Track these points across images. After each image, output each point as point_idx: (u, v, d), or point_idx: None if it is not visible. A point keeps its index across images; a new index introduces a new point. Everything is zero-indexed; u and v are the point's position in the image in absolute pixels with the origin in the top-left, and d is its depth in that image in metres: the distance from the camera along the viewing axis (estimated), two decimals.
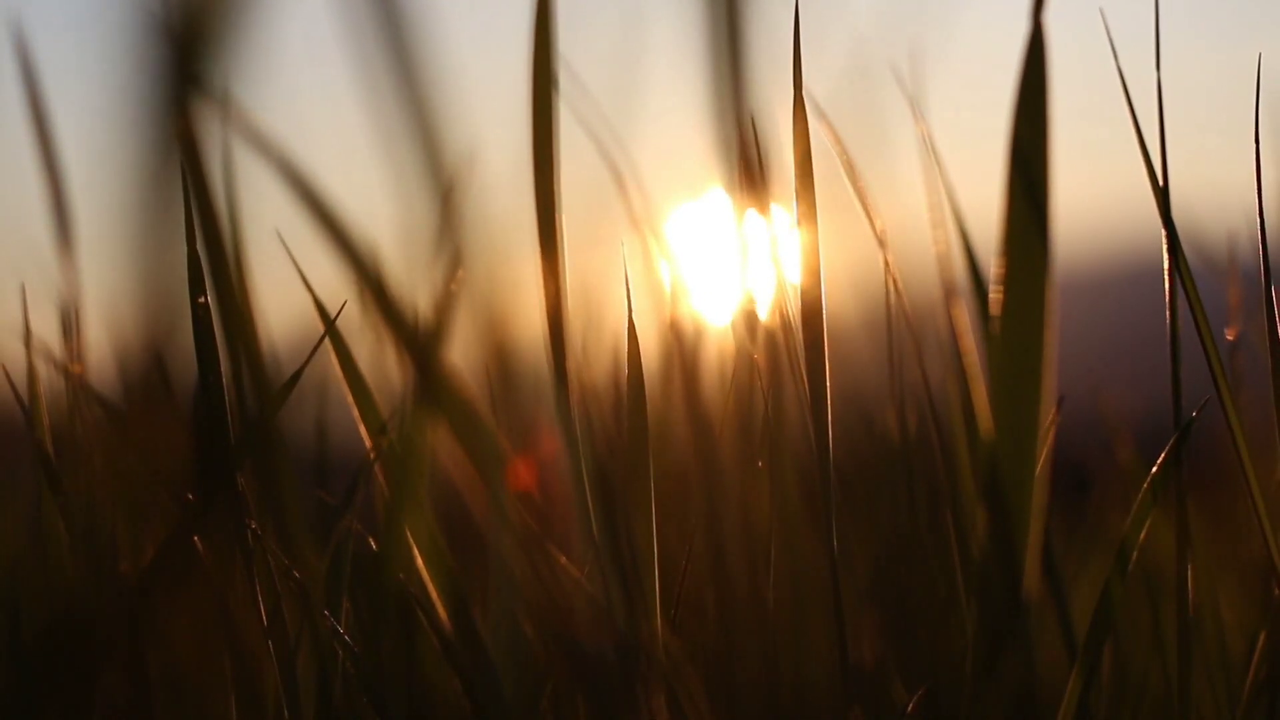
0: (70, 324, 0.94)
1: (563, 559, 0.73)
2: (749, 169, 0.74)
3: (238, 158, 0.75)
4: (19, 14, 0.98)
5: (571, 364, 0.77)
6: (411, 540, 0.83)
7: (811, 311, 0.81)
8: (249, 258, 0.79)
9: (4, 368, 0.94)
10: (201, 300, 0.81)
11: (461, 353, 0.68)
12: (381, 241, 0.66)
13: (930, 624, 0.89)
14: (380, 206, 0.65)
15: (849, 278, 0.89)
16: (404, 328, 0.65)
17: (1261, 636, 0.89)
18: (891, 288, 0.91)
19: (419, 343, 0.66)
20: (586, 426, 0.78)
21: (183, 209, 0.67)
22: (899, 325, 0.93)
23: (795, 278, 0.82)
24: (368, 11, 0.57)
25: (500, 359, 0.65)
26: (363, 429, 0.88)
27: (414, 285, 0.65)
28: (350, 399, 0.88)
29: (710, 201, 0.78)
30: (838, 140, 0.86)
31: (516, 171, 0.78)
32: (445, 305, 0.66)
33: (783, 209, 0.82)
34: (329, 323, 0.89)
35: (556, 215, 0.78)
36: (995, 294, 0.72)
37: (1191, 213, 0.94)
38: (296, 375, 0.90)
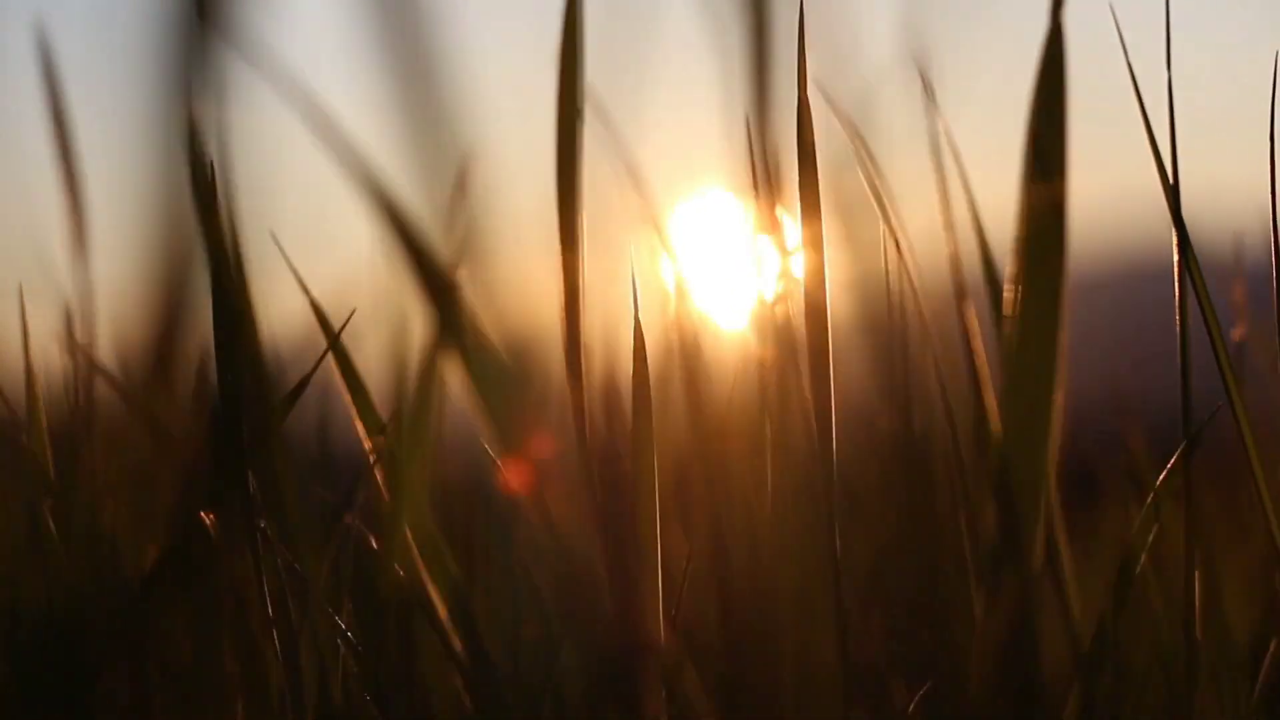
0: (76, 319, 0.93)
1: (564, 559, 0.72)
2: (760, 167, 0.74)
3: (244, 155, 0.75)
4: (41, 12, 0.98)
5: (584, 359, 0.77)
6: (411, 538, 0.82)
7: (816, 310, 0.80)
8: (252, 258, 0.79)
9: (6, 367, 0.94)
10: (221, 295, 0.81)
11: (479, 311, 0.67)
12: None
13: (933, 622, 0.89)
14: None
15: (857, 276, 0.88)
16: (431, 267, 0.65)
17: (1272, 645, 0.88)
18: (903, 286, 0.90)
19: (443, 283, 0.65)
20: (591, 424, 0.78)
21: (191, 207, 0.67)
22: (910, 324, 0.92)
23: (802, 276, 0.81)
24: (381, 4, 0.56)
25: (508, 354, 0.65)
26: (361, 431, 0.88)
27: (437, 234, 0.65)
28: (349, 404, 0.88)
29: (718, 200, 0.78)
30: (856, 135, 0.85)
31: (524, 167, 0.78)
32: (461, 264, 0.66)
33: (792, 207, 0.81)
34: (333, 336, 0.89)
35: (578, 211, 0.78)
36: (1010, 294, 0.72)
37: (1201, 212, 0.94)
38: (303, 383, 0.90)
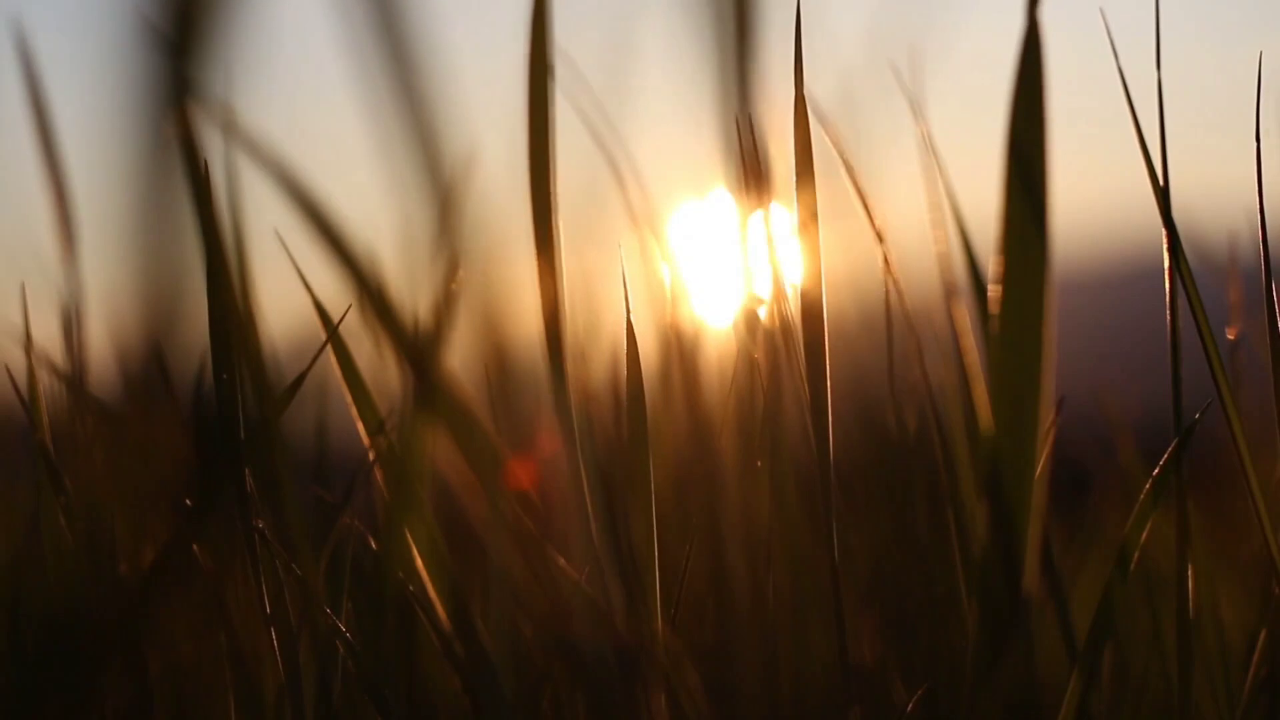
0: (71, 324, 0.94)
1: (562, 559, 0.73)
2: (749, 168, 0.74)
3: (236, 157, 0.75)
4: (20, 15, 0.98)
5: (570, 364, 0.77)
6: (411, 539, 0.83)
7: (812, 311, 0.81)
8: (250, 258, 0.79)
9: (5, 368, 0.94)
10: (216, 300, 0.81)
11: (460, 355, 0.68)
12: (379, 244, 0.66)
13: (930, 623, 0.89)
14: (377, 207, 0.65)
15: (849, 277, 0.89)
16: (401, 333, 0.65)
17: (1262, 635, 0.89)
18: (892, 287, 0.91)
19: (416, 348, 0.66)
20: (586, 427, 0.78)
21: (184, 209, 0.67)
22: (899, 324, 0.93)
23: (795, 277, 0.82)
24: (363, 12, 0.57)
25: (498, 360, 0.65)
26: (361, 430, 0.88)
27: (412, 288, 0.65)
28: (350, 402, 0.88)
29: (710, 201, 0.78)
30: (837, 140, 0.86)
31: (514, 172, 0.78)
32: (443, 309, 0.66)
33: (783, 208, 0.82)
34: (331, 328, 0.89)
35: (553, 215, 0.78)
36: (994, 292, 0.72)
37: (1192, 212, 0.94)
38: (299, 380, 0.90)
